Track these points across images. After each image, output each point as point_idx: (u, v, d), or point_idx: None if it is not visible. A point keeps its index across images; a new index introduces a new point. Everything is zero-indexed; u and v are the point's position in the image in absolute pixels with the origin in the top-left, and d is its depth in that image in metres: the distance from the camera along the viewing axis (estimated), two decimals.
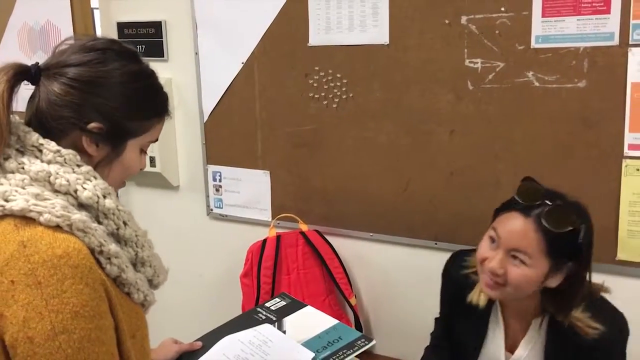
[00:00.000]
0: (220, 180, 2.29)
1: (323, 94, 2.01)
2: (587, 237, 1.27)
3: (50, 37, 2.49)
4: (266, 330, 1.42)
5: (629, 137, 1.63)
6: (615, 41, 1.60)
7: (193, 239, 2.41)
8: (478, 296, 1.41)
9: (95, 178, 1.02)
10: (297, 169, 2.11)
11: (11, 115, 1.01)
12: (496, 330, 1.44)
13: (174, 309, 2.46)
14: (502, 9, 1.71)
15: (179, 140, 2.36)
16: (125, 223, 1.03)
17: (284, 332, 1.44)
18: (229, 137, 2.22)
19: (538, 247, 1.25)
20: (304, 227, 2.11)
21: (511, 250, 1.27)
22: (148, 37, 2.30)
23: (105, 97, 1.03)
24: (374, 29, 1.90)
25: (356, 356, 1.40)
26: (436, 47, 1.81)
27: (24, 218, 0.94)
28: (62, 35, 2.43)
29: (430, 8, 1.81)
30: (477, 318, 1.44)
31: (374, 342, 1.44)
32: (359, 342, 1.40)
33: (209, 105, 2.23)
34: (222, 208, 2.31)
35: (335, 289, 2.08)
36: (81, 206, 0.99)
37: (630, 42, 1.58)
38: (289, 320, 1.48)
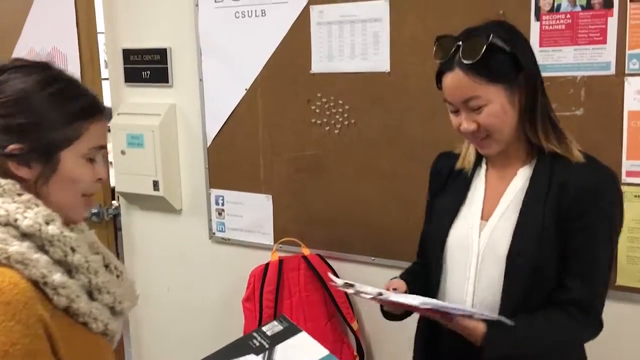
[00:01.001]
0: (222, 204, 2.31)
1: (325, 120, 2.04)
2: (507, 39, 1.25)
3: (56, 63, 2.52)
4: None
5: (626, 165, 1.65)
6: (612, 70, 1.63)
7: (195, 262, 2.42)
8: (463, 160, 1.41)
9: (37, 206, 0.97)
10: (300, 193, 2.14)
11: None
12: (475, 194, 1.39)
13: (175, 333, 2.47)
14: None
15: (182, 164, 2.38)
16: (73, 249, 0.98)
17: None
18: (232, 161, 2.25)
19: (479, 84, 1.24)
20: (306, 251, 2.12)
21: (465, 104, 1.27)
22: (153, 63, 2.33)
23: (15, 115, 0.98)
24: (375, 57, 1.93)
25: None
26: None
27: None
28: (68, 61, 2.46)
29: (430, 36, 1.82)
30: (460, 184, 1.41)
31: None
32: None
33: (212, 130, 2.26)
34: (224, 232, 2.33)
35: (337, 313, 2.09)
36: (25, 236, 0.96)
37: (626, 72, 1.62)
38: (280, 349, 1.49)
